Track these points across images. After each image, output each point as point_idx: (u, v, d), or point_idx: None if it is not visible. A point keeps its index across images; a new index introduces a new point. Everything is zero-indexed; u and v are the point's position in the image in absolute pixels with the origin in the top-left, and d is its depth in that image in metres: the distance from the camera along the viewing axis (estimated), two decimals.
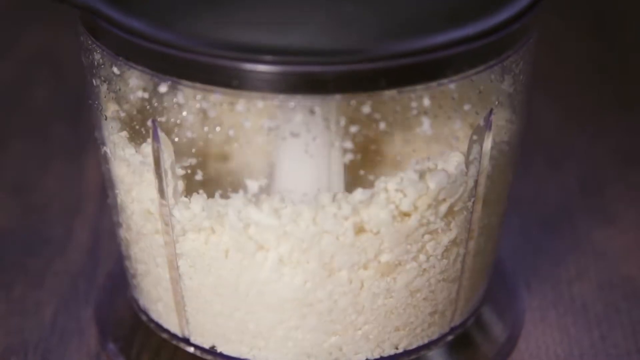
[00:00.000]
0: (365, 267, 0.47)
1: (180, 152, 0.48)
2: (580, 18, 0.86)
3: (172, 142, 0.47)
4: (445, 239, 0.47)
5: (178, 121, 0.48)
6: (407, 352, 0.51)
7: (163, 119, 0.47)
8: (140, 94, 0.47)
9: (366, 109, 0.43)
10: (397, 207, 0.45)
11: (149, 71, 0.44)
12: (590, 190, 0.66)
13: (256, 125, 0.45)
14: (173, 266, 0.49)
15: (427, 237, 0.47)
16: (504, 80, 0.47)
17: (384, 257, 0.46)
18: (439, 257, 0.48)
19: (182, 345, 0.52)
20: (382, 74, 0.42)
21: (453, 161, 0.46)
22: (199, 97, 0.45)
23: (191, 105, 0.47)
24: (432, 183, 0.45)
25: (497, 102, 0.47)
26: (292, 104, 0.43)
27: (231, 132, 0.49)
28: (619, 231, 0.63)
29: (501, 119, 0.48)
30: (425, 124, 0.45)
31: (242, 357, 0.50)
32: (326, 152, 0.47)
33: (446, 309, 0.50)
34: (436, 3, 0.44)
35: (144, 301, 0.53)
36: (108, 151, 0.49)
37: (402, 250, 0.46)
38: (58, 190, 0.66)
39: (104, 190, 0.56)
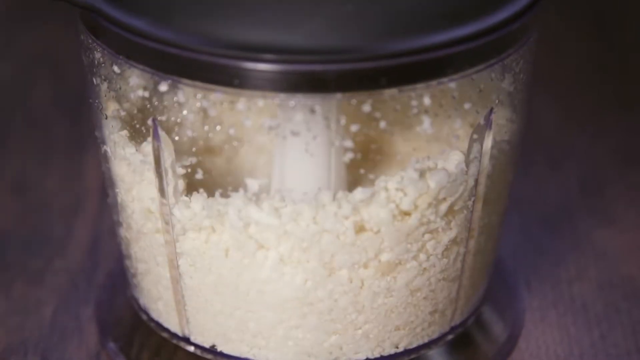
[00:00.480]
0: (365, 266, 0.47)
1: (180, 151, 0.48)
2: (580, 18, 0.86)
3: (173, 140, 0.47)
4: (446, 238, 0.47)
5: (178, 120, 0.48)
6: (407, 351, 0.51)
7: (163, 118, 0.47)
8: (140, 92, 0.47)
9: (366, 107, 0.43)
10: (397, 206, 0.45)
11: (150, 70, 0.44)
12: (590, 190, 0.66)
13: (257, 124, 0.45)
14: (173, 265, 0.49)
15: (427, 236, 0.47)
16: (504, 79, 0.47)
17: (384, 256, 0.46)
18: (439, 256, 0.48)
19: (182, 344, 0.52)
20: (382, 73, 0.42)
21: (453, 160, 0.46)
22: (199, 95, 0.45)
23: (192, 104, 0.47)
24: (433, 182, 0.45)
25: (497, 101, 0.47)
26: (292, 102, 0.43)
27: (231, 131, 0.49)
28: (619, 231, 0.63)
29: (501, 117, 0.48)
30: (426, 122, 0.45)
31: (242, 356, 0.50)
32: (326, 151, 0.47)
33: (446, 308, 0.50)
34: (437, 2, 0.44)
35: (144, 300, 0.53)
36: (108, 150, 0.49)
37: (402, 249, 0.46)
38: (58, 189, 0.66)
39: (104, 190, 0.56)
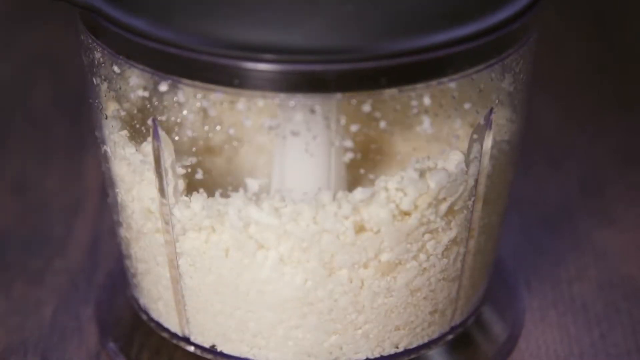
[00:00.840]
0: (365, 266, 0.47)
1: (180, 151, 0.48)
2: (580, 18, 0.86)
3: (173, 140, 0.47)
4: (446, 238, 0.47)
5: (178, 120, 0.48)
6: (407, 351, 0.51)
7: (163, 118, 0.47)
8: (140, 92, 0.47)
9: (366, 107, 0.43)
10: (397, 206, 0.45)
11: (150, 70, 0.44)
12: (590, 190, 0.66)
13: (256, 124, 0.45)
14: (173, 265, 0.49)
15: (427, 236, 0.47)
16: (504, 79, 0.47)
17: (384, 256, 0.46)
18: (439, 256, 0.48)
19: (182, 344, 0.52)
20: (382, 73, 0.42)
21: (453, 160, 0.46)
22: (199, 95, 0.45)
23: (192, 104, 0.47)
24: (433, 182, 0.45)
25: (497, 101, 0.47)
26: (292, 102, 0.43)
27: (231, 131, 0.49)
28: (619, 231, 0.63)
29: (501, 117, 0.48)
30: (426, 122, 0.45)
31: (242, 356, 0.50)
32: (326, 151, 0.47)
33: (446, 308, 0.50)
34: (437, 2, 0.44)
35: (144, 300, 0.53)
36: (108, 150, 0.49)
37: (402, 249, 0.46)
38: (58, 189, 0.66)
39: (104, 190, 0.56)
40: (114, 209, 0.52)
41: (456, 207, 0.47)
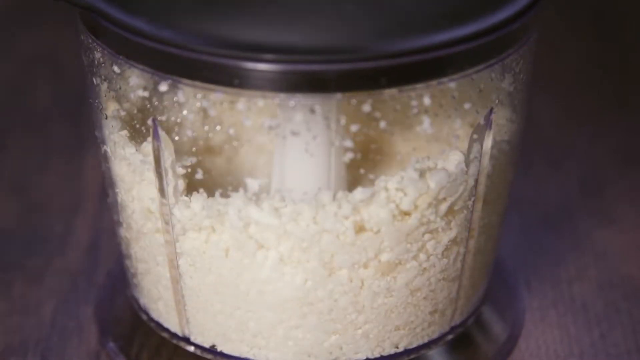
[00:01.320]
0: (365, 266, 0.47)
1: (180, 151, 0.48)
2: (580, 18, 0.86)
3: (173, 140, 0.47)
4: (446, 238, 0.47)
5: (178, 120, 0.48)
6: (407, 351, 0.51)
7: (163, 118, 0.47)
8: (140, 92, 0.47)
9: (366, 107, 0.43)
10: (397, 206, 0.45)
11: (150, 70, 0.44)
12: (590, 190, 0.66)
13: (256, 124, 0.45)
14: (173, 265, 0.49)
15: (427, 236, 0.47)
16: (504, 79, 0.47)
17: (384, 256, 0.46)
18: (439, 256, 0.48)
19: (182, 344, 0.52)
20: (382, 73, 0.42)
21: (453, 160, 0.46)
22: (199, 95, 0.45)
23: (192, 104, 0.47)
24: (433, 182, 0.46)
25: (497, 101, 0.47)
26: (292, 102, 0.43)
27: (231, 131, 0.49)
28: (619, 231, 0.63)
29: (501, 117, 0.48)
30: (426, 122, 0.45)
31: (242, 356, 0.50)
32: (326, 151, 0.47)
33: (446, 308, 0.50)
34: (437, 2, 0.44)
35: (144, 300, 0.53)
36: (108, 150, 0.49)
37: (402, 249, 0.46)
38: (58, 189, 0.66)
39: (103, 189, 0.56)
40: (114, 209, 0.52)
41: (456, 207, 0.47)
